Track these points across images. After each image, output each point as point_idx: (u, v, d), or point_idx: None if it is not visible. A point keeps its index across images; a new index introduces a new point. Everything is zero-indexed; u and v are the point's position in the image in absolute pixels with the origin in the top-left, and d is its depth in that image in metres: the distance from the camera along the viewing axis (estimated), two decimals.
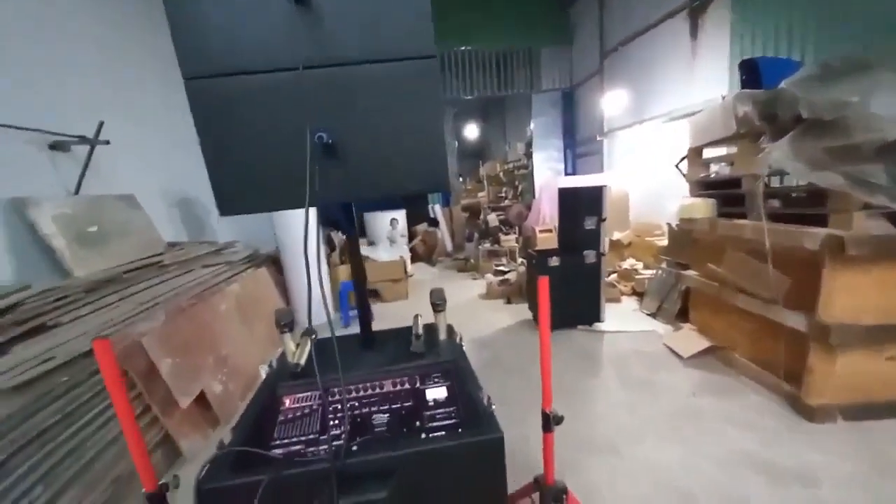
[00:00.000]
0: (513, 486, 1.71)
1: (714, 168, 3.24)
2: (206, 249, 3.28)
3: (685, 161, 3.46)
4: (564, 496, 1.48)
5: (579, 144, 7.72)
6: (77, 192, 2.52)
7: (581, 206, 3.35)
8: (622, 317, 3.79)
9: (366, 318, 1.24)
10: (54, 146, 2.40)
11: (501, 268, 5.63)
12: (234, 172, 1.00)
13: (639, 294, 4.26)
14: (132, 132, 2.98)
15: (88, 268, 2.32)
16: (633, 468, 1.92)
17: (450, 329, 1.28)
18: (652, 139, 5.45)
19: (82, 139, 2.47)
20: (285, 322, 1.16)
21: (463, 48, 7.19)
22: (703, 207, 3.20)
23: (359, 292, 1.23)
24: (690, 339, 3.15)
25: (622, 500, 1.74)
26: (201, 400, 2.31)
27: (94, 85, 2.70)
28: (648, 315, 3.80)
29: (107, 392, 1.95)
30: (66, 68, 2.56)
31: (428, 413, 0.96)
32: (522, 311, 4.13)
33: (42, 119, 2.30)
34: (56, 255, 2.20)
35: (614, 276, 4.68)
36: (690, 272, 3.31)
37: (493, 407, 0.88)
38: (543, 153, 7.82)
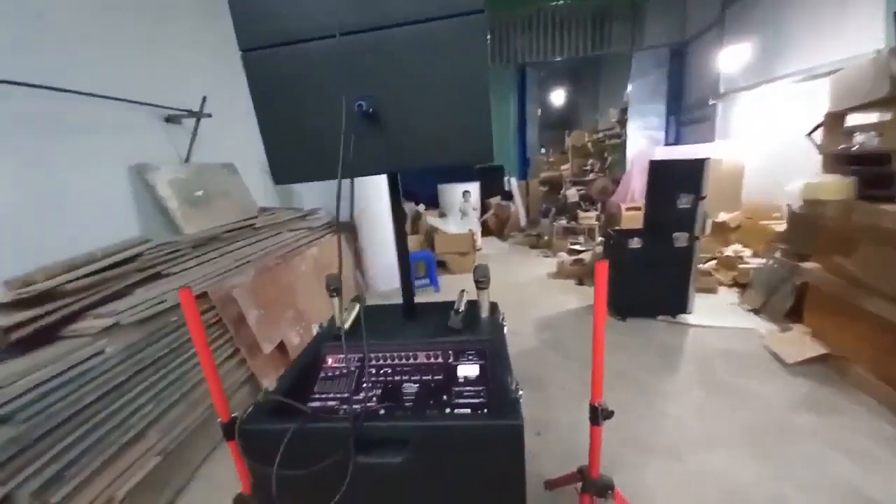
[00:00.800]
0: (558, 471, 1.66)
1: (858, 139, 2.58)
2: (292, 215, 3.60)
3: (820, 129, 2.82)
4: (610, 492, 1.38)
5: (686, 110, 6.75)
6: (187, 160, 2.91)
7: (675, 182, 2.95)
8: (715, 310, 3.33)
9: (408, 290, 1.24)
10: (168, 119, 2.77)
11: (576, 247, 5.30)
12: (287, 142, 1.03)
13: (741, 286, 3.69)
14: (232, 107, 3.32)
15: (195, 227, 2.69)
16: (694, 477, 1.72)
17: (493, 307, 1.23)
18: (780, 103, 4.54)
19: (190, 112, 2.81)
20: (334, 287, 1.21)
21: (554, 3, 6.60)
22: (837, 187, 2.60)
23: (402, 265, 1.23)
24: (800, 343, 2.66)
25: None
26: (281, 347, 2.60)
27: (203, 63, 3.03)
28: (749, 311, 3.29)
29: (209, 331, 2.30)
30: (179, 49, 2.91)
31: (456, 389, 0.93)
32: (593, 294, 3.86)
33: (158, 95, 2.65)
34: (170, 215, 2.59)
35: (712, 263, 4.11)
36: (811, 265, 2.76)
37: (521, 393, 0.82)
38: (641, 120, 6.98)
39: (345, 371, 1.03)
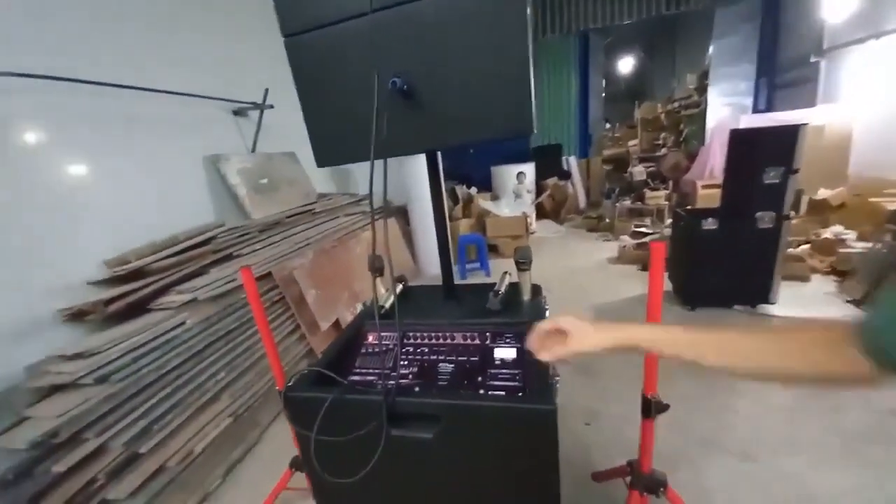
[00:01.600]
0: (607, 463, 1.57)
1: None
2: (347, 200, 3.74)
3: None
4: (663, 490, 1.29)
5: (781, 70, 5.87)
6: (253, 150, 3.12)
7: (762, 153, 2.58)
8: (805, 300, 2.92)
9: (448, 270, 1.22)
10: (237, 112, 2.98)
11: (642, 229, 4.91)
12: (327, 125, 1.05)
13: (840, 273, 3.19)
14: (292, 97, 3.48)
15: (262, 212, 2.90)
16: (764, 482, 1.53)
17: (535, 290, 1.17)
18: None
19: (254, 105, 2.99)
20: (377, 267, 1.22)
21: None
22: None
23: (441, 245, 1.21)
24: None
25: None
26: (336, 326, 2.75)
27: (264, 56, 3.21)
28: (849, 302, 2.83)
29: (273, 308, 2.49)
30: (243, 42, 3.10)
31: (492, 371, 0.90)
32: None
33: (226, 90, 2.85)
34: (239, 201, 2.81)
35: (806, 247, 3.59)
36: None
37: (558, 378, 0.77)
38: (725, 84, 6.19)
39: (383, 348, 1.04)
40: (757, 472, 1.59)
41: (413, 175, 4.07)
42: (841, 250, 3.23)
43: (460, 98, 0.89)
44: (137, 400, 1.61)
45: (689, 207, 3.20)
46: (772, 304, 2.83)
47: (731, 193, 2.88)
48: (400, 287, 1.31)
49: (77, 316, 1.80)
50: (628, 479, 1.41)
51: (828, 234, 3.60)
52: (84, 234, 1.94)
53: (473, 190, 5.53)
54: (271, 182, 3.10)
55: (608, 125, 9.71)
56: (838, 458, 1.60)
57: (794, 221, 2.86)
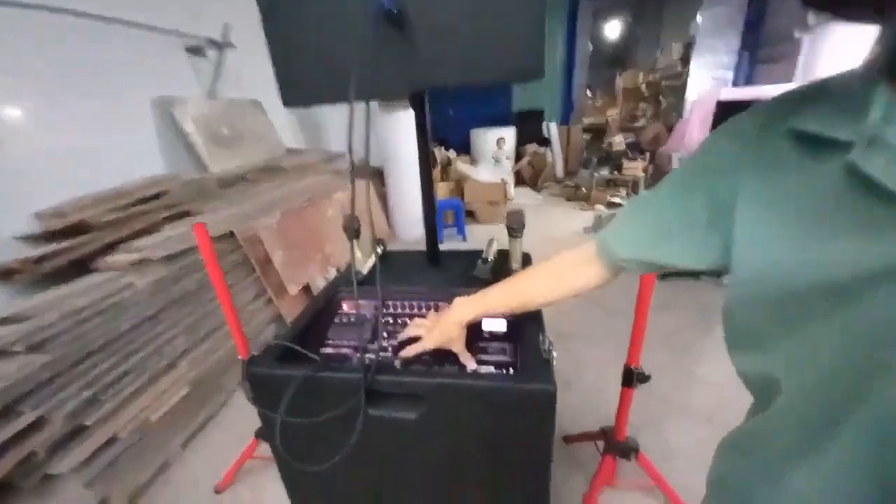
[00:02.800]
0: (578, 428, 1.60)
1: None
2: (319, 157, 3.49)
3: None
4: (634, 455, 1.31)
5: (764, 45, 5.84)
6: (212, 95, 2.80)
7: None
8: None
9: (433, 235, 1.11)
10: (192, 50, 2.63)
11: (617, 199, 4.95)
12: (298, 60, 0.88)
13: None
14: (258, 38, 3.12)
15: (222, 165, 2.64)
16: None
17: (525, 258, 1.09)
18: None
19: (211, 42, 2.65)
20: (354, 228, 1.10)
21: None
22: None
23: (426, 207, 1.09)
24: None
25: (698, 475, 1.48)
26: (307, 290, 2.61)
27: None
28: None
29: (236, 271, 2.32)
30: None
31: (480, 345, 0.83)
32: None
33: (178, 21, 2.49)
34: (195, 152, 2.54)
35: None
36: None
37: (554, 354, 0.70)
38: (709, 57, 6.11)
39: (360, 318, 0.95)
40: (716, 435, 1.65)
41: (389, 132, 3.84)
42: None
43: (461, 29, 0.75)
44: (81, 368, 1.46)
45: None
46: None
47: None
48: (379, 251, 1.19)
49: (4, 275, 1.58)
50: (600, 443, 1.43)
51: None
52: (12, 186, 1.68)
53: (452, 153, 5.34)
54: (233, 133, 2.82)
55: (589, 93, 9.53)
56: None
57: None
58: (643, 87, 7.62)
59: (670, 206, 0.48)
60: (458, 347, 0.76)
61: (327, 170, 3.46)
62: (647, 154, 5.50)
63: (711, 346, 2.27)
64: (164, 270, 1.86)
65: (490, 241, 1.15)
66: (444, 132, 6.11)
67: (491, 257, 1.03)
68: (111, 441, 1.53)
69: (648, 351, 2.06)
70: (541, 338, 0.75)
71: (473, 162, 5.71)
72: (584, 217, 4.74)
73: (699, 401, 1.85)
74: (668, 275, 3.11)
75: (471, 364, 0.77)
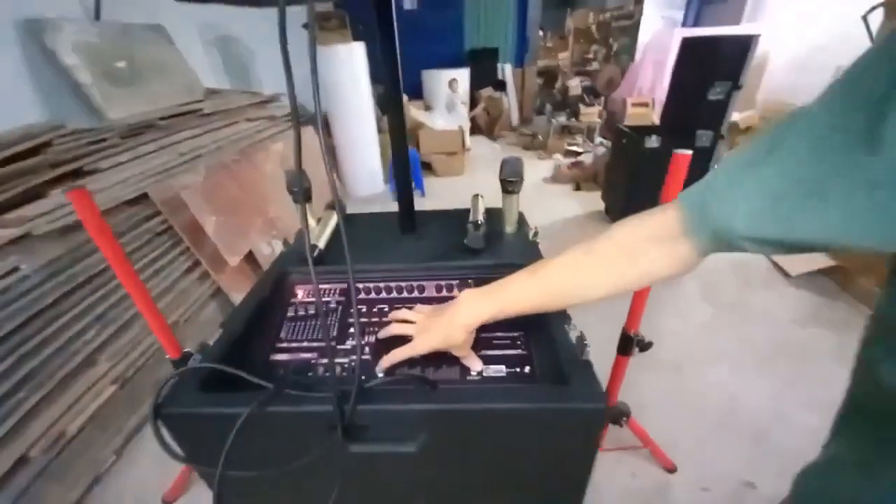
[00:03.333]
0: None
1: None
2: (249, 100, 2.97)
3: (880, 11, 2.31)
4: (625, 419, 1.28)
5: None
6: (97, 16, 2.18)
7: (711, 66, 2.47)
8: None
9: (407, 193, 0.89)
10: None
11: (575, 148, 4.87)
12: None
13: None
14: None
15: (122, 110, 2.12)
16: (696, 393, 1.65)
17: (521, 219, 0.91)
18: None
19: None
20: (298, 189, 0.85)
21: None
22: None
23: (398, 160, 0.86)
24: (804, 255, 2.55)
25: (676, 423, 1.52)
26: (251, 258, 2.29)
27: None
28: None
29: (156, 242, 1.94)
30: None
31: (483, 335, 0.66)
32: (593, 200, 3.58)
33: None
34: (83, 92, 2.00)
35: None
36: None
37: (588, 348, 0.55)
38: None
39: (323, 308, 0.74)
40: (687, 385, 1.70)
41: (335, 73, 3.36)
42: None
43: None
44: None
45: (629, 125, 3.11)
46: None
47: (676, 109, 2.82)
48: (334, 217, 0.96)
49: None
50: None
51: None
52: None
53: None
54: (132, 67, 2.25)
55: (542, 31, 9.08)
56: (754, 367, 1.77)
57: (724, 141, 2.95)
58: (594, 28, 7.35)
59: (821, 154, 0.31)
60: (464, 352, 0.59)
61: (260, 115, 2.97)
62: (603, 99, 5.40)
63: (670, 297, 2.31)
64: (59, 247, 1.48)
65: (476, 199, 0.96)
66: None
67: (481, 219, 0.84)
68: (21, 462, 1.25)
69: (611, 304, 2.05)
70: (565, 327, 0.59)
71: (427, 107, 5.29)
72: (544, 167, 4.62)
73: (665, 353, 1.88)
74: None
75: (476, 366, 0.60)
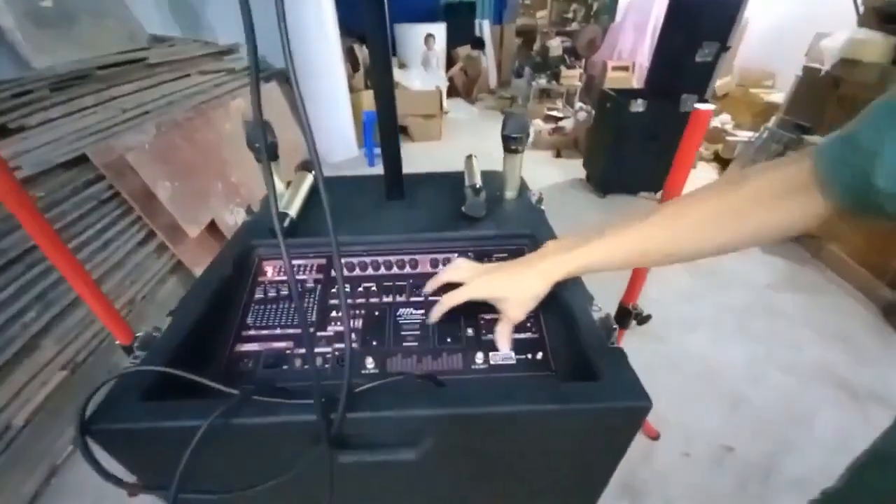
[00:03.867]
0: None
1: None
2: (202, 50, 2.65)
3: None
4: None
5: None
6: None
7: (699, 26, 2.37)
8: (694, 187, 3.16)
9: (394, 154, 0.77)
10: None
11: (555, 113, 4.74)
12: None
13: (723, 161, 3.51)
14: None
15: (50, 56, 1.82)
16: (677, 359, 1.68)
17: (523, 184, 0.82)
18: None
19: None
20: (261, 144, 0.71)
21: None
22: (882, 48, 2.20)
23: (385, 121, 0.74)
24: None
25: (658, 390, 1.54)
26: (214, 228, 2.10)
27: None
28: None
29: (101, 211, 1.73)
30: None
31: (487, 317, 0.58)
32: (574, 167, 3.52)
33: None
34: (6, 38, 1.69)
35: None
36: (815, 138, 2.52)
37: (615, 330, 0.48)
38: None
39: (297, 289, 0.63)
40: (668, 351, 1.72)
41: (300, 18, 3.03)
42: (728, 139, 3.49)
43: None
44: None
45: (612, 88, 3.00)
46: None
47: (661, 72, 2.74)
48: (310, 179, 0.83)
49: None
50: None
51: (716, 122, 3.85)
52: None
53: None
54: (61, 8, 1.93)
55: None
56: (731, 333, 1.81)
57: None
58: None
59: None
60: (518, 314, 0.51)
61: (217, 67, 2.66)
62: (584, 61, 5.24)
63: None
64: None
65: (469, 160, 0.85)
66: (363, 27, 5.12)
67: (479, 183, 0.74)
68: None
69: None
70: (589, 306, 0.52)
71: (402, 65, 4.96)
72: None
73: None
74: (607, 192, 3.10)
75: (504, 346, 0.52)
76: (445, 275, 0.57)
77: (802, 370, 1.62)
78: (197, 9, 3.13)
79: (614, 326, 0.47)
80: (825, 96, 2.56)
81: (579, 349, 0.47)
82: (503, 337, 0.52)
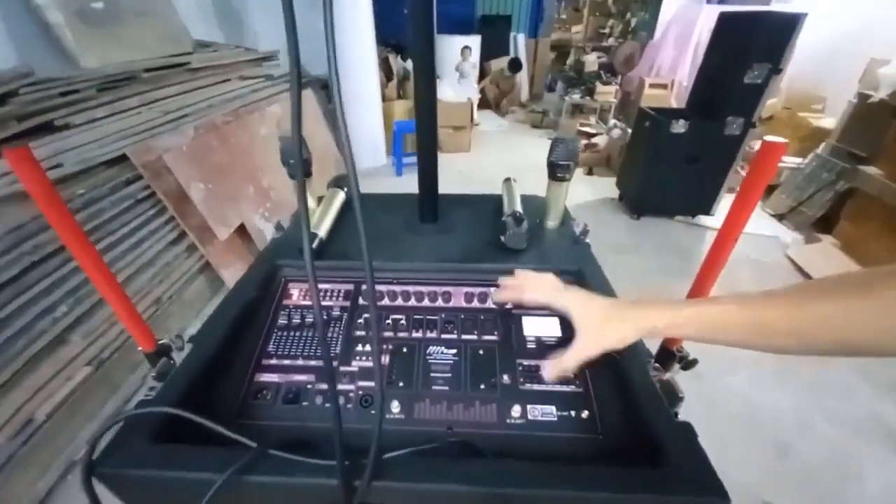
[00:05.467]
0: None
1: None
2: (243, 56, 2.72)
3: None
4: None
5: None
6: None
7: (750, 46, 2.26)
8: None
9: (431, 175, 0.73)
10: None
11: (588, 129, 4.64)
12: None
13: (767, 187, 3.32)
14: None
15: (98, 57, 1.89)
16: (717, 402, 1.56)
17: (566, 214, 0.76)
18: None
19: None
20: (304, 161, 0.69)
21: None
22: None
23: (424, 140, 0.70)
24: (828, 256, 2.43)
25: (697, 430, 1.43)
26: (243, 231, 2.12)
27: None
28: (772, 216, 2.99)
29: (137, 209, 1.76)
30: None
31: (524, 364, 0.53)
32: (606, 185, 3.41)
33: None
34: (54, 34, 1.77)
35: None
36: (871, 169, 2.35)
37: (681, 400, 0.42)
38: None
39: (324, 316, 0.59)
40: (707, 391, 1.60)
41: (340, 29, 3.07)
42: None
43: None
44: None
45: (653, 106, 2.90)
46: (711, 215, 2.85)
47: (704, 92, 2.63)
48: (342, 196, 0.80)
49: None
50: None
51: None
52: None
53: (410, 63, 4.57)
54: (111, 9, 2.00)
55: (556, 2, 8.59)
56: (773, 375, 1.67)
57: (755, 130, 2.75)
58: (610, 0, 6.94)
59: None
60: (588, 348, 0.43)
61: (256, 74, 2.73)
62: (620, 77, 5.13)
63: (682, 288, 2.19)
64: (24, 212, 1.31)
65: (508, 183, 0.80)
66: (399, 37, 5.19)
67: (519, 210, 0.69)
68: None
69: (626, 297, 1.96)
70: (645, 363, 0.46)
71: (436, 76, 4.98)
72: None
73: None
74: (641, 214, 2.98)
75: (550, 376, 0.47)
76: (526, 295, 0.52)
77: (850, 420, 1.48)
78: (240, 15, 3.23)
79: (681, 395, 0.41)
80: (882, 125, 2.39)
81: (634, 416, 0.41)
82: (556, 367, 0.45)
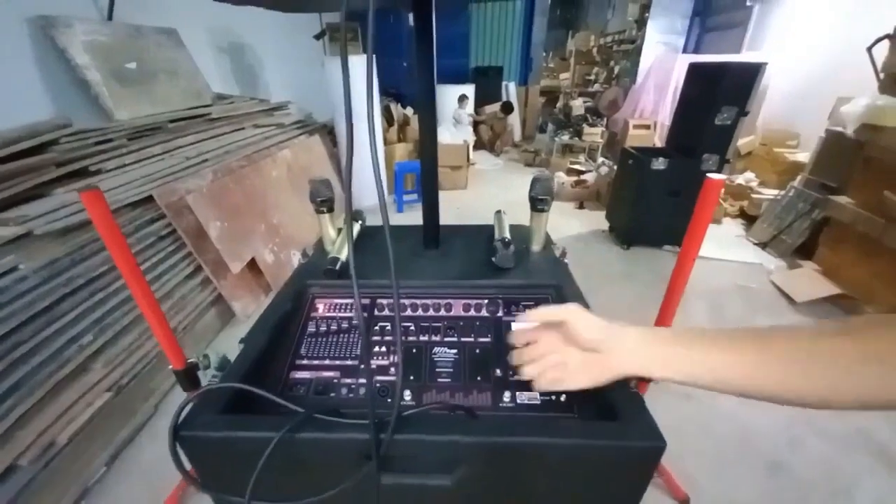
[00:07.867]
0: None
1: None
2: (257, 107, 2.97)
3: (885, 43, 2.37)
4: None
5: (715, 12, 5.90)
6: (109, 17, 2.18)
7: (719, 91, 2.50)
8: (720, 242, 3.16)
9: (433, 208, 0.87)
10: None
11: (578, 167, 4.90)
12: None
13: (748, 217, 3.51)
14: None
15: (130, 110, 2.10)
16: (708, 421, 1.62)
17: (547, 239, 0.89)
18: (836, 7, 3.92)
19: None
20: (323, 199, 0.83)
21: None
22: None
23: (427, 179, 0.84)
24: (810, 282, 2.55)
25: (688, 451, 1.48)
26: (253, 265, 2.25)
27: None
28: (756, 244, 3.14)
29: (159, 245, 1.90)
30: None
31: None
32: (596, 218, 3.59)
33: None
34: (92, 92, 1.98)
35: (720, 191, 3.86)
36: (842, 199, 2.53)
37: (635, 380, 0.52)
38: (663, 20, 6.05)
39: (345, 324, 0.71)
40: (698, 412, 1.66)
41: (340, 91, 3.36)
42: (754, 196, 3.51)
43: None
44: None
45: (635, 146, 3.13)
46: None
47: (681, 133, 2.85)
48: (358, 227, 0.93)
49: None
50: None
51: (740, 179, 3.89)
52: None
53: (409, 110, 4.91)
54: (143, 69, 2.24)
55: (545, 53, 9.26)
56: None
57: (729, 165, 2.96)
58: (594, 50, 7.51)
59: None
60: (580, 381, 0.45)
61: (268, 122, 2.96)
62: (605, 120, 5.47)
63: (680, 318, 2.29)
64: (60, 248, 1.43)
65: (499, 215, 0.94)
66: (399, 86, 5.59)
67: (508, 237, 0.82)
68: (9, 471, 1.19)
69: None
70: None
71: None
72: None
73: None
74: (630, 244, 3.13)
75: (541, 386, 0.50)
76: (560, 311, 0.48)
77: (841, 436, 1.53)
78: (255, 71, 3.55)
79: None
80: (850, 158, 2.59)
81: (601, 392, 0.52)
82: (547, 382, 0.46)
